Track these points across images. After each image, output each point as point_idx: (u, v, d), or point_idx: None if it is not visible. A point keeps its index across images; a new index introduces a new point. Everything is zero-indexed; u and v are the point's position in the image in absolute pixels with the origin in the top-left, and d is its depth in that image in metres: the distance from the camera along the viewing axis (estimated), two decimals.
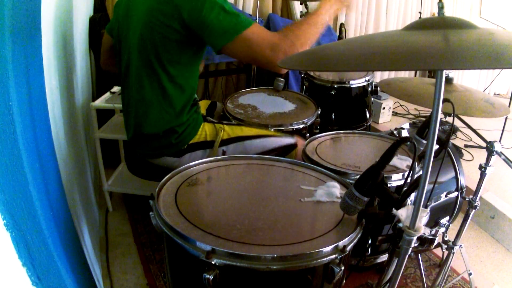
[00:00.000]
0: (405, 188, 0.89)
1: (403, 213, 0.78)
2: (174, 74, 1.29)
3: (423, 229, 0.76)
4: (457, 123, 1.22)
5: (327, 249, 0.81)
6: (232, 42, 1.16)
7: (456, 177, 1.47)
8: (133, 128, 1.40)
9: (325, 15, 1.26)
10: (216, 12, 1.15)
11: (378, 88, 2.34)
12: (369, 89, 2.27)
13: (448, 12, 3.86)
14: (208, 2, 1.15)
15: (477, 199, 1.28)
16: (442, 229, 1.19)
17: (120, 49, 1.39)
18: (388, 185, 1.27)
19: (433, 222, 1.28)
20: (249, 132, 1.50)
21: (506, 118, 2.26)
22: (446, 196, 1.43)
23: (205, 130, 1.45)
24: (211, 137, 1.44)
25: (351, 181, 1.12)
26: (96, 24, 2.21)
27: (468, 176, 1.67)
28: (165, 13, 1.20)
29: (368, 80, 2.22)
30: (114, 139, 2.10)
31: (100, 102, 1.93)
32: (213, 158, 1.21)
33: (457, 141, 2.86)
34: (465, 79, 4.20)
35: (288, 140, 1.51)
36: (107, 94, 2.04)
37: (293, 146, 1.50)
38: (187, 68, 1.32)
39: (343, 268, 0.82)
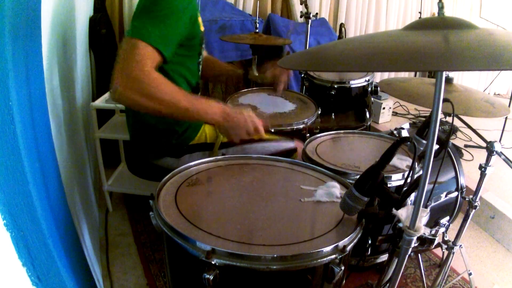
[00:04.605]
0: (405, 188, 0.89)
1: (403, 213, 0.78)
2: (174, 68, 1.27)
3: (423, 229, 0.76)
4: (457, 123, 1.22)
5: (327, 249, 0.81)
6: (128, 37, 1.10)
7: (456, 177, 1.47)
8: (134, 126, 1.40)
9: (203, 114, 1.19)
10: (145, 11, 1.13)
11: (378, 88, 2.34)
12: (369, 89, 2.27)
13: (448, 12, 3.86)
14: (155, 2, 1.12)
15: (477, 199, 1.28)
16: (442, 229, 1.18)
17: None
18: (388, 185, 1.27)
19: (433, 222, 1.28)
20: None
21: (506, 118, 2.26)
22: (446, 196, 1.43)
23: (205, 132, 1.44)
24: (211, 139, 1.44)
25: (351, 181, 1.12)
26: (96, 24, 2.20)
27: (468, 176, 1.66)
28: None
29: (368, 80, 2.21)
30: (114, 139, 2.10)
31: (100, 102, 1.93)
32: (213, 158, 1.21)
33: (457, 141, 2.86)
34: (465, 79, 4.20)
35: (287, 145, 1.52)
36: (107, 94, 2.03)
37: (293, 151, 1.51)
38: (184, 61, 1.31)
39: (343, 268, 0.82)
